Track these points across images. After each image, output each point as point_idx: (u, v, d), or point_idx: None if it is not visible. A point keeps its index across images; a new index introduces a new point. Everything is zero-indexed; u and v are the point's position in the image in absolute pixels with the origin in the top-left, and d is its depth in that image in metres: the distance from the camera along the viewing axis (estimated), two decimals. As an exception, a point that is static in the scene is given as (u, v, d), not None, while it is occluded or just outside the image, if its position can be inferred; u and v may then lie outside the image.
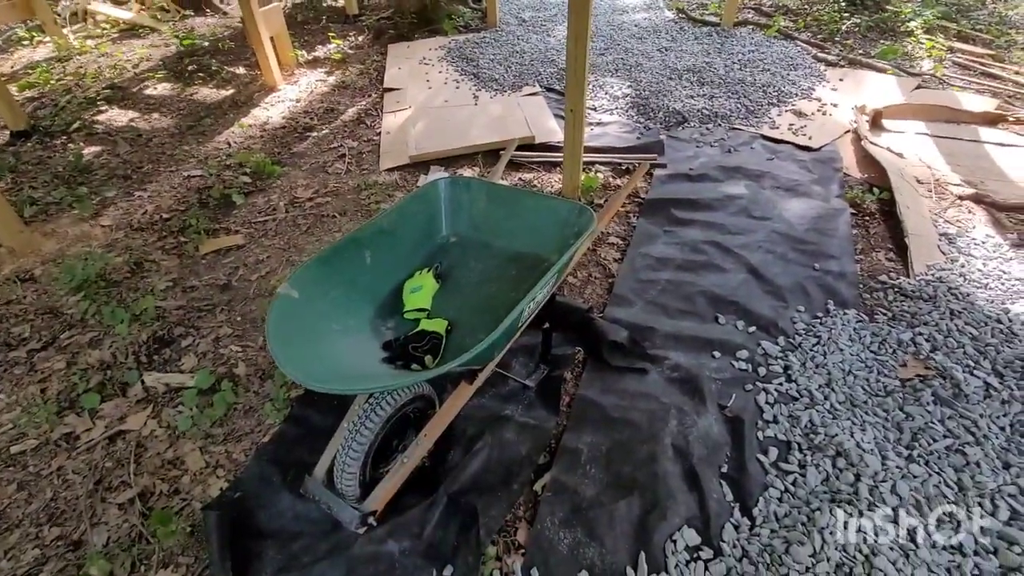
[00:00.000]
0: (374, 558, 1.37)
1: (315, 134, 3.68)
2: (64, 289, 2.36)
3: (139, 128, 3.78)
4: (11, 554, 1.51)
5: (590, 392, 1.83)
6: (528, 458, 1.63)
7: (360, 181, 3.10)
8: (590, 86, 4.07)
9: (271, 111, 3.99)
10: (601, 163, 3.17)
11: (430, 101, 3.93)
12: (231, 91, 4.30)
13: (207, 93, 4.29)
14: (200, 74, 4.56)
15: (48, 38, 5.18)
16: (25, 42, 5.36)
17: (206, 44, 5.13)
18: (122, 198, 3.04)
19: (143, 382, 1.98)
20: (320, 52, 4.96)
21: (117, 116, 3.95)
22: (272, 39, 4.20)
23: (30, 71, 4.65)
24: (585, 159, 2.97)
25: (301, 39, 5.22)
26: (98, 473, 1.70)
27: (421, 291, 1.65)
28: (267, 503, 1.54)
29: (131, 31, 5.64)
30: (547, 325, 1.83)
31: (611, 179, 3.05)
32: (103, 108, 4.04)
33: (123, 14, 5.83)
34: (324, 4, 6.29)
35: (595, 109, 3.79)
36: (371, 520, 1.36)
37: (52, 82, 4.40)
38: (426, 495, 1.50)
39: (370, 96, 4.17)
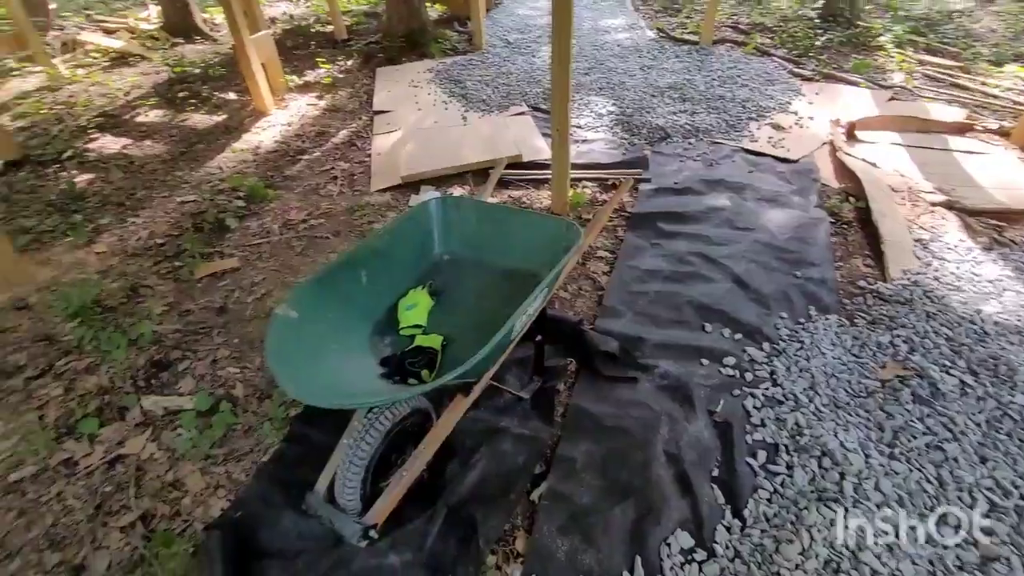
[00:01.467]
0: (376, 571, 1.40)
1: (307, 157, 3.75)
2: (60, 316, 2.38)
3: (131, 155, 3.82)
4: (11, 581, 1.52)
5: (583, 402, 1.88)
6: (525, 468, 1.67)
7: (352, 202, 3.16)
8: (575, 105, 4.19)
9: (263, 135, 4.05)
10: (588, 179, 3.26)
11: (420, 122, 4.02)
12: (223, 117, 4.37)
13: (199, 119, 4.36)
14: (191, 100, 4.63)
15: (39, 68, 5.24)
16: (15, 73, 5.41)
17: (197, 71, 5.22)
18: (116, 225, 3.07)
19: (141, 406, 2.00)
20: (310, 77, 5.05)
21: (109, 144, 3.99)
22: (263, 65, 4.28)
23: (21, 101, 4.70)
24: (572, 176, 3.06)
25: (291, 64, 5.31)
26: (98, 498, 1.71)
27: (416, 308, 1.70)
28: (269, 522, 1.56)
29: (121, 59, 5.71)
30: (539, 338, 1.88)
31: (598, 195, 3.13)
32: (95, 136, 4.09)
33: (113, 43, 5.91)
34: (312, 30, 6.42)
35: (581, 127, 3.90)
36: (372, 533, 1.38)
37: (43, 111, 4.45)
38: (426, 508, 1.53)
39: (360, 119, 4.26)
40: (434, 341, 1.59)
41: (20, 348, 2.26)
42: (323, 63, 5.20)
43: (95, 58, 5.73)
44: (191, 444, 1.83)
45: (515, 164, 3.37)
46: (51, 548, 1.59)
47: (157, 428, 1.92)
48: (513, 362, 2.04)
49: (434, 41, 5.51)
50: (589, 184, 3.23)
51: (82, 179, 3.52)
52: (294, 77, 4.96)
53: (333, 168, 3.58)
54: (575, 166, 3.21)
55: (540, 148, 3.53)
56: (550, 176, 2.94)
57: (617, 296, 2.38)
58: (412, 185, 3.30)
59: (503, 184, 3.24)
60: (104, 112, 4.47)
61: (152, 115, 4.46)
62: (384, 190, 3.28)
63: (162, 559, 1.51)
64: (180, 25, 6.34)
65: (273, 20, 6.92)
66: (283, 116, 4.33)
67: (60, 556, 1.57)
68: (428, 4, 6.28)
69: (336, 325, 1.53)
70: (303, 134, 4.04)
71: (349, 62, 5.39)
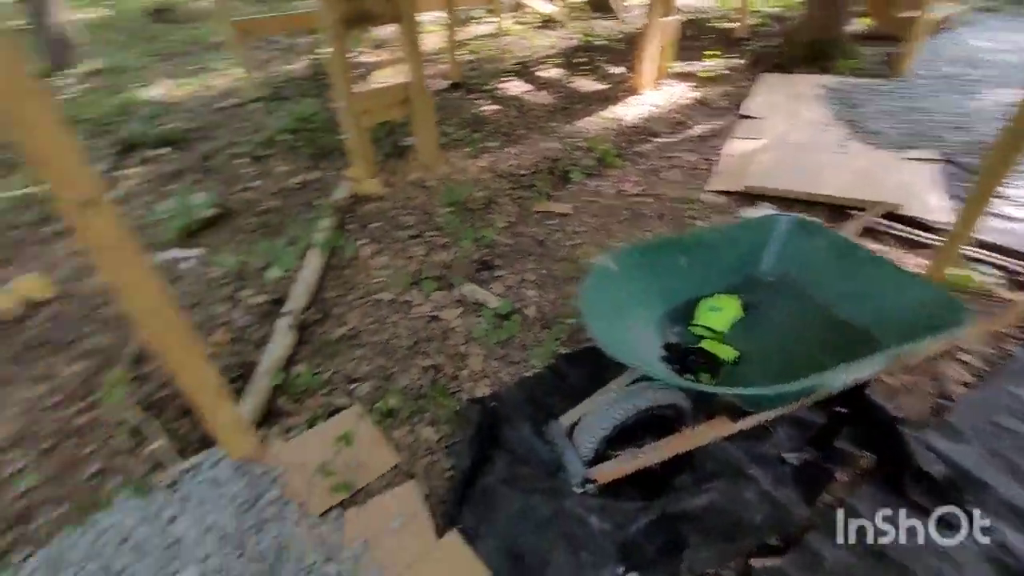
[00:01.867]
0: (578, 521, 1.46)
1: (659, 140, 3.87)
2: (440, 203, 3.10)
3: (525, 100, 4.60)
4: (354, 362, 2.13)
5: (865, 511, 1.52)
6: (759, 530, 1.47)
7: (684, 195, 3.14)
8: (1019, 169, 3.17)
9: (629, 111, 4.34)
10: (994, 264, 2.47)
11: (787, 136, 3.68)
12: (604, 86, 4.84)
13: (584, 84, 4.93)
14: (584, 67, 5.25)
15: (493, 19, 6.69)
16: (477, 20, 7.04)
17: (599, 43, 5.85)
18: (497, 150, 3.78)
19: (462, 290, 2.49)
20: (692, 68, 5.12)
21: (515, 87, 4.89)
22: (660, 48, 4.52)
23: (473, 41, 6.11)
24: (970, 252, 2.38)
25: (678, 53, 5.46)
26: (415, 338, 2.24)
27: (720, 313, 1.63)
28: (513, 425, 1.78)
29: (547, 23, 6.82)
30: (842, 410, 1.58)
31: (999, 289, 2.36)
32: (508, 79, 5.05)
33: (547, 8, 7.08)
34: (709, 24, 6.43)
35: (1010, 198, 2.95)
36: (590, 487, 1.45)
37: (485, 52, 5.70)
38: (643, 499, 1.51)
39: (724, 118, 4.14)
40: (727, 353, 1.50)
41: (412, 213, 3.06)
42: (709, 56, 5.18)
43: (531, 19, 7.00)
44: (483, 333, 2.21)
45: (889, 214, 2.79)
46: (380, 355, 2.16)
47: (466, 310, 2.37)
48: (792, 418, 1.78)
49: (843, 57, 4.87)
50: (990, 272, 2.45)
51: (488, 109, 4.43)
52: (679, 64, 5.10)
53: (679, 157, 3.61)
54: (982, 243, 2.47)
55: (931, 206, 2.82)
56: (936, 241, 2.34)
57: (970, 418, 1.80)
58: (749, 197, 3.08)
59: (865, 231, 2.73)
60: (521, 61, 5.46)
61: (552, 72, 5.24)
62: (720, 192, 3.16)
63: (436, 404, 1.90)
64: (600, 2, 7.18)
65: (678, 9, 7.18)
66: (653, 98, 4.53)
67: (383, 362, 2.12)
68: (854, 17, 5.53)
69: (645, 293, 1.58)
70: (664, 119, 4.17)
71: (736, 61, 5.24)
